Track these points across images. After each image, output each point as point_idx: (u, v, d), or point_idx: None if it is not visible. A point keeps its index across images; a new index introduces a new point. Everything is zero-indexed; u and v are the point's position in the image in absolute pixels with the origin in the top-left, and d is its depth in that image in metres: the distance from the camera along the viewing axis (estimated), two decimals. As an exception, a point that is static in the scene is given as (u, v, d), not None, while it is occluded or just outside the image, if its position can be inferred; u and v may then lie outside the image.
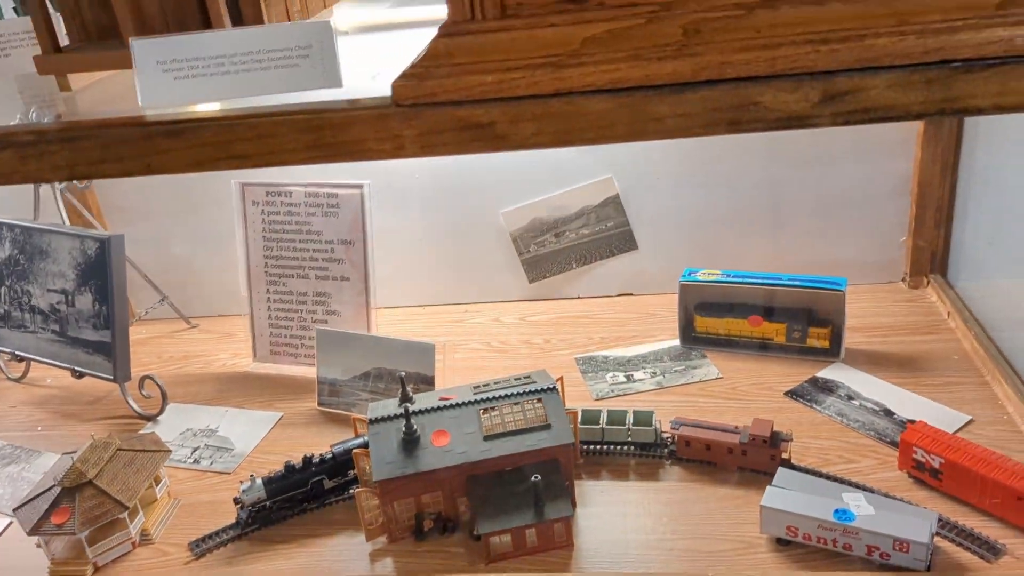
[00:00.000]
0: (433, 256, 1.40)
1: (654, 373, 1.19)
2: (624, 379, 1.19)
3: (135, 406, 1.21)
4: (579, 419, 1.03)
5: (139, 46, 0.70)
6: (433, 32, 0.64)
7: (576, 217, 1.35)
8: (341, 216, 1.20)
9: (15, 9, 1.02)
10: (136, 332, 1.43)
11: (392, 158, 0.67)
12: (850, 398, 1.09)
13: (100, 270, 1.13)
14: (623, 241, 1.36)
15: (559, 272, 1.39)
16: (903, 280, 1.32)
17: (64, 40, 0.83)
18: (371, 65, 0.93)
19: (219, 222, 1.36)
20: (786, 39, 0.60)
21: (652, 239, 1.36)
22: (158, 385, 1.20)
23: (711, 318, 1.21)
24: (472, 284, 1.42)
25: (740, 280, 1.19)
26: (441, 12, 0.64)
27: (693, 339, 1.24)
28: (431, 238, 1.39)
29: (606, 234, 1.36)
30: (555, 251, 1.37)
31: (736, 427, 1.00)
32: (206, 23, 0.80)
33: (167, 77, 0.71)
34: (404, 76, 0.64)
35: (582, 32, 0.63)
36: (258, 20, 0.81)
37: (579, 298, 1.40)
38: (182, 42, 0.70)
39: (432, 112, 0.64)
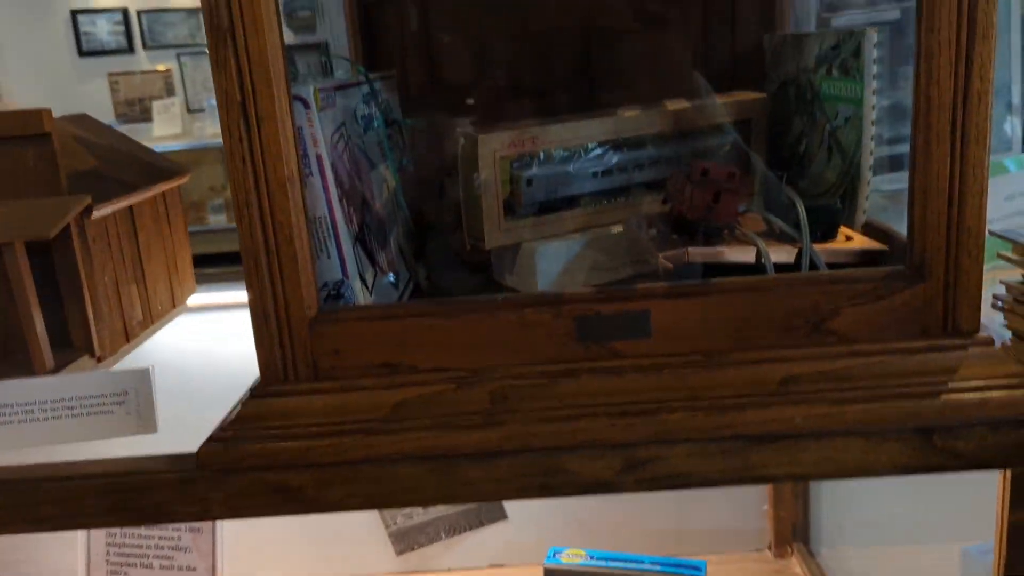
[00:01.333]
0: (294, 529, 1.34)
1: (518, 667, 1.13)
2: (488, 673, 1.12)
3: None
4: None
5: (-58, 394, 0.68)
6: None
7: (444, 487, 1.33)
8: (191, 501, 1.15)
9: None
10: (-39, 619, 1.29)
11: (199, 520, 0.65)
12: None
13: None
14: (492, 511, 1.33)
15: (428, 544, 1.34)
16: (768, 548, 1.33)
17: None
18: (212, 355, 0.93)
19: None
20: (587, 410, 0.62)
21: (521, 508, 1.34)
22: None
23: (578, 601, 1.17)
24: (337, 558, 1.35)
25: (605, 563, 1.17)
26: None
27: (561, 623, 1.19)
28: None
29: (475, 504, 1.33)
30: (423, 523, 1.33)
31: None
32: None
33: (-30, 425, 0.68)
34: (211, 440, 0.63)
35: (393, 397, 0.64)
36: (88, 345, 0.80)
37: (449, 571, 1.35)
38: (-11, 389, 0.68)
39: (239, 477, 0.63)
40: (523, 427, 0.62)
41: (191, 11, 7.19)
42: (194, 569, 1.15)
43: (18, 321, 0.78)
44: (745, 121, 0.93)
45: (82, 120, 0.96)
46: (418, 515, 1.34)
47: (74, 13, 7.29)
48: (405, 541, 1.35)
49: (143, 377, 0.69)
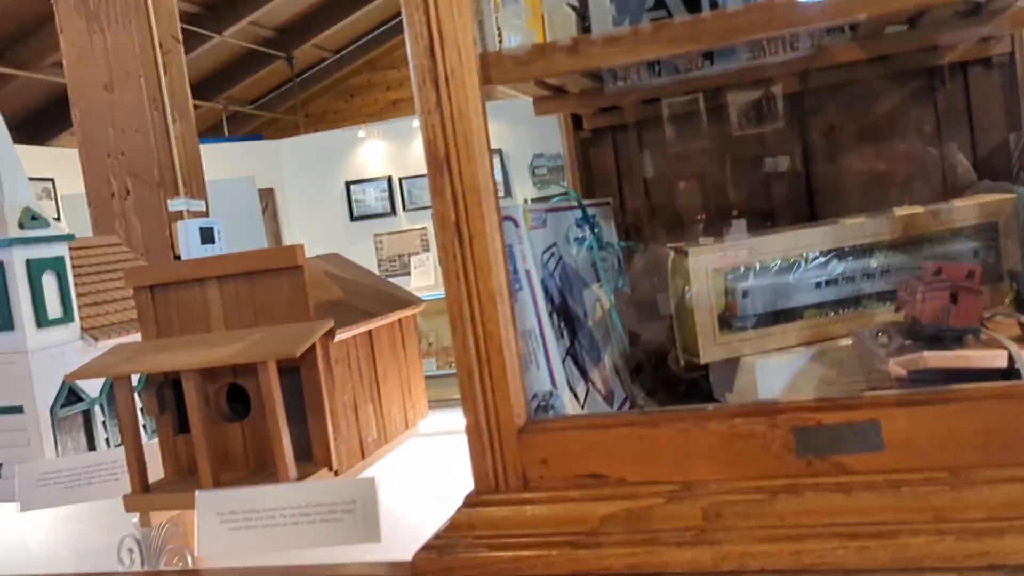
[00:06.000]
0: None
1: None
2: None
3: None
4: None
5: (202, 498, 0.76)
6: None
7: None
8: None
9: (144, 426, 1.14)
10: None
11: (410, 629, 0.65)
12: None
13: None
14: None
15: None
16: None
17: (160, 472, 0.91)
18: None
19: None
20: (812, 530, 0.56)
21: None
22: None
23: None
24: None
25: None
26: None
27: None
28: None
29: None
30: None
31: None
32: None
33: (224, 528, 0.75)
34: (426, 547, 0.65)
35: (601, 509, 0.62)
36: (327, 460, 0.86)
37: None
38: (240, 495, 0.75)
39: (451, 586, 0.63)
40: (740, 547, 0.57)
41: (445, 175, 7.93)
42: None
43: (269, 436, 0.86)
44: (991, 224, 0.85)
45: (333, 258, 1.08)
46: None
47: (348, 184, 8.32)
48: None
49: (369, 487, 0.73)
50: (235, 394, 0.90)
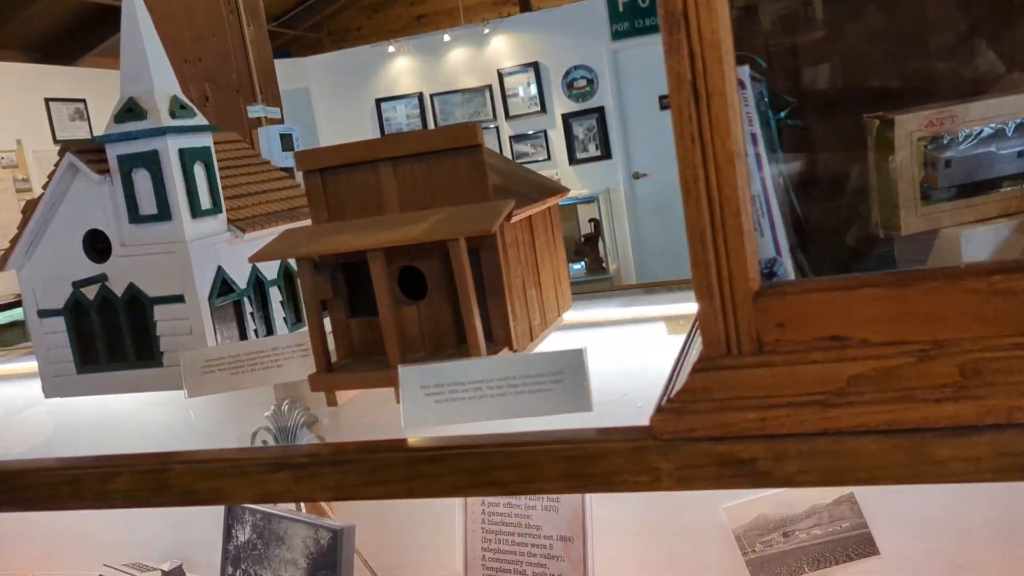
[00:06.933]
0: (649, 551, 1.34)
1: None
2: None
3: None
4: None
5: (405, 373, 0.76)
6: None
7: (806, 516, 1.26)
8: (561, 510, 1.19)
9: (285, 319, 1.15)
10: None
11: (647, 491, 0.66)
12: None
13: (331, 560, 1.17)
14: (861, 545, 1.24)
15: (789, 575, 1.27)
16: None
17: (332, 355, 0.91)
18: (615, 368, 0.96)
19: (440, 506, 1.39)
20: (1085, 382, 0.56)
21: (895, 546, 1.23)
22: None
23: (979, 647, 1.05)
24: (690, 584, 1.33)
25: (1012, 604, 1.04)
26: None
27: (959, 671, 1.07)
28: (648, 531, 1.34)
29: (841, 536, 1.25)
30: (783, 552, 1.27)
31: None
32: (460, 342, 0.86)
33: (428, 400, 0.76)
34: (661, 411, 0.65)
35: (847, 370, 0.61)
36: (507, 340, 0.86)
37: (812, 607, 1.27)
38: (444, 368, 0.75)
39: (690, 447, 0.64)
40: (1007, 400, 0.57)
41: (474, 90, 7.81)
42: (565, 578, 1.19)
43: (449, 317, 0.86)
44: None
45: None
46: (778, 544, 1.28)
47: (378, 101, 8.21)
48: (765, 571, 1.29)
49: (577, 357, 0.73)
50: (401, 278, 0.90)
